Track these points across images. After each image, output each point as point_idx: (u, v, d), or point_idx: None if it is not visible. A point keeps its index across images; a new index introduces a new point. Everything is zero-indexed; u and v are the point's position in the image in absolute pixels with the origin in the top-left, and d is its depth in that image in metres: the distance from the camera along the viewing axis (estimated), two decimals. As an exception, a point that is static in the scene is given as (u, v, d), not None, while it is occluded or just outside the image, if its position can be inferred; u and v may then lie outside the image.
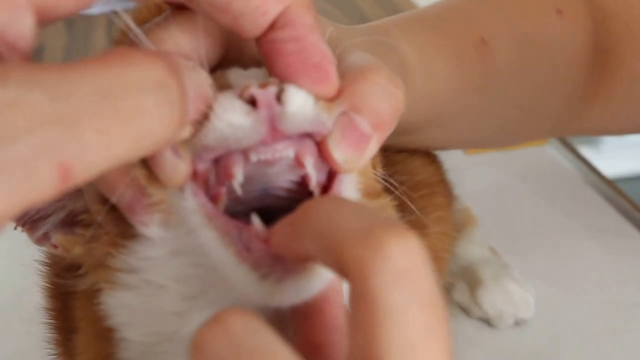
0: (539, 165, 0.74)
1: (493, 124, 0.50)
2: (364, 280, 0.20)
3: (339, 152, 0.27)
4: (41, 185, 0.19)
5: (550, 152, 0.76)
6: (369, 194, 0.30)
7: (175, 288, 0.28)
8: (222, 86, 0.27)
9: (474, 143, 0.56)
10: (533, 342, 0.53)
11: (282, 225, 0.24)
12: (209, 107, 0.25)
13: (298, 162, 0.26)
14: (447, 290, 0.55)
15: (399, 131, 0.42)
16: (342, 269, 0.21)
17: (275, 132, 0.25)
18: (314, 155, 0.26)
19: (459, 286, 0.55)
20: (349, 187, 0.28)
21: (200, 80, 0.25)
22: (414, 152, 0.47)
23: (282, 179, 0.27)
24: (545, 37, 0.49)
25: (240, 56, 0.30)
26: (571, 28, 0.49)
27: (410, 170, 0.46)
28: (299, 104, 0.25)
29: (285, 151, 0.26)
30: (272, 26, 0.27)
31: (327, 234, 0.21)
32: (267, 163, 0.26)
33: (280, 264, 0.25)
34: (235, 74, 0.28)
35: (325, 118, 0.26)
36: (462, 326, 0.54)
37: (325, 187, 0.27)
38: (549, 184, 0.71)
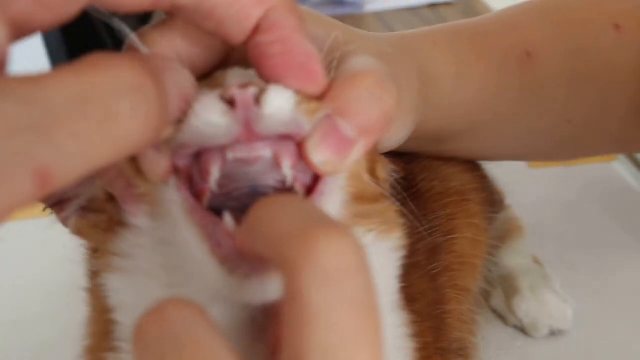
0: (603, 180, 0.73)
1: (539, 138, 0.50)
2: (293, 279, 0.20)
3: (317, 155, 0.27)
4: (19, 191, 0.19)
5: (617, 168, 0.74)
6: (362, 198, 0.31)
7: (162, 276, 0.29)
8: (218, 85, 0.27)
9: (519, 155, 0.56)
10: (568, 353, 0.53)
11: (243, 225, 0.24)
12: (190, 106, 0.25)
13: (276, 163, 0.26)
14: (482, 296, 0.56)
15: (432, 139, 0.44)
16: (280, 269, 0.21)
17: (251, 132, 0.26)
18: (293, 156, 0.27)
19: (496, 293, 0.56)
20: (334, 190, 0.28)
21: (183, 80, 0.25)
22: (449, 160, 0.49)
23: (269, 178, 0.27)
24: (601, 52, 0.48)
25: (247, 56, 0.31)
26: (630, 44, 0.48)
27: (442, 176, 0.47)
28: (276, 106, 0.26)
29: (263, 151, 0.26)
30: (257, 30, 0.27)
31: (269, 234, 0.22)
32: (245, 162, 0.26)
33: (248, 262, 0.25)
34: (233, 74, 0.29)
35: (303, 121, 0.26)
36: (497, 333, 0.55)
37: (310, 189, 0.28)
38: (611, 200, 0.70)
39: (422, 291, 0.41)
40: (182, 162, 0.27)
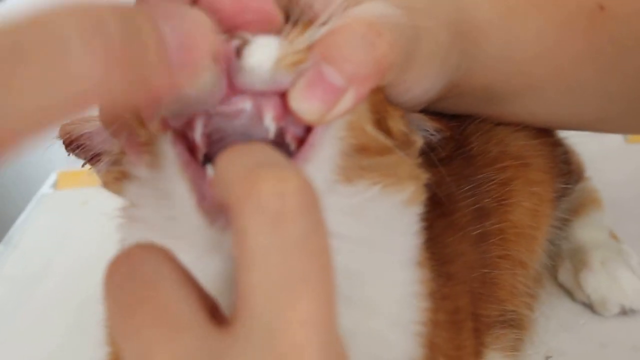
0: None
1: (614, 103, 0.45)
2: (237, 220, 0.20)
3: (299, 103, 0.26)
4: None
5: None
6: (367, 149, 0.30)
7: (163, 226, 0.29)
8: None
9: (587, 122, 0.49)
10: (636, 335, 0.50)
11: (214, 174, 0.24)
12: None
13: (258, 115, 0.26)
14: (548, 270, 0.54)
15: (484, 98, 0.42)
16: (230, 211, 0.20)
17: (232, 85, 0.25)
18: (277, 108, 0.26)
19: (565, 266, 0.54)
20: (327, 141, 0.28)
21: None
22: (512, 125, 0.47)
23: (258, 131, 0.27)
24: None
25: None
26: None
27: (498, 139, 0.45)
28: (256, 59, 0.25)
29: (243, 104, 0.26)
30: None
31: (224, 179, 0.21)
32: (228, 116, 0.26)
33: (226, 213, 0.24)
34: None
35: (282, 75, 0.26)
36: (561, 309, 0.52)
37: (303, 141, 0.27)
38: None
39: (459, 253, 0.39)
40: (175, 123, 0.27)
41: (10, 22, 0.18)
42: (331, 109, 0.26)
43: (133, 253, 0.22)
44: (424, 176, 0.34)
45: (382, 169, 0.31)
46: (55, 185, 0.80)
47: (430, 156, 0.40)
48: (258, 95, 0.26)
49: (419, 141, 0.35)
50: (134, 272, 0.21)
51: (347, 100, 0.27)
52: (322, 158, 0.28)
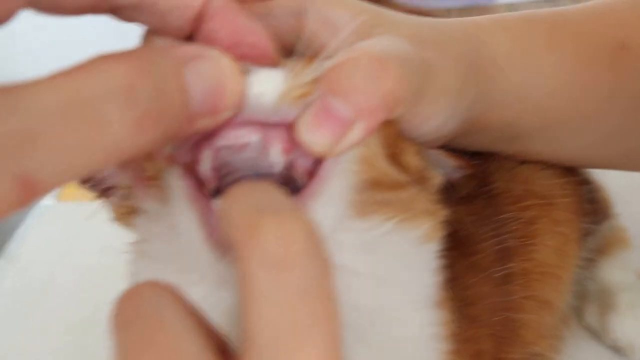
0: None
1: (633, 141, 0.45)
2: (240, 263, 0.20)
3: (306, 134, 0.26)
4: (3, 200, 0.18)
5: None
6: (380, 184, 0.30)
7: (174, 261, 0.29)
8: None
9: (619, 161, 0.49)
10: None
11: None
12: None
13: (265, 148, 0.26)
14: (574, 311, 0.52)
15: (505, 136, 0.42)
16: (234, 253, 0.20)
17: (239, 119, 0.25)
18: (284, 141, 0.26)
19: (591, 308, 0.52)
20: (338, 174, 0.28)
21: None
22: (536, 163, 0.46)
23: (267, 165, 0.27)
24: None
25: None
26: None
27: (522, 178, 0.44)
28: (263, 89, 0.25)
29: (249, 137, 0.26)
30: (201, 19, 0.27)
31: (228, 219, 0.21)
32: (234, 149, 0.26)
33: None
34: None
35: (288, 108, 0.26)
36: (588, 352, 0.51)
37: (313, 174, 0.27)
38: None
39: (482, 295, 0.39)
40: (181, 155, 0.27)
41: (53, 81, 0.20)
42: (339, 141, 0.26)
43: (139, 291, 0.22)
44: (442, 213, 0.33)
45: (396, 204, 0.30)
46: (57, 197, 0.78)
47: (451, 194, 0.39)
48: (264, 127, 0.26)
49: (436, 177, 0.35)
50: (140, 312, 0.21)
51: (356, 132, 0.27)
52: (333, 192, 0.28)
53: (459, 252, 0.39)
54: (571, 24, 0.42)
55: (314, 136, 0.26)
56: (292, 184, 0.27)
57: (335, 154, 0.27)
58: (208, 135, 0.26)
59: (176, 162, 0.27)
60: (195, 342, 0.21)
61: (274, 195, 0.22)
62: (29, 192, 0.19)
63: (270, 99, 0.26)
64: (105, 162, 0.20)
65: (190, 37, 0.28)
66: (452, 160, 0.36)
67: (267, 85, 0.26)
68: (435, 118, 0.33)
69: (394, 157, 0.30)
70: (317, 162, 0.27)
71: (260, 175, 0.28)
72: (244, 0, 0.29)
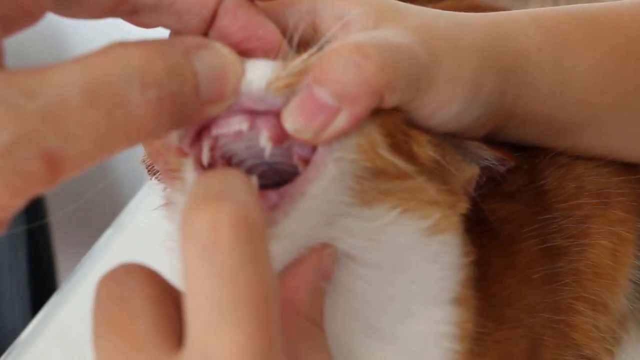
0: None
1: None
2: (180, 248, 0.21)
3: (290, 121, 0.27)
4: (32, 178, 0.20)
5: None
6: (385, 173, 0.29)
7: None
8: None
9: None
10: None
11: None
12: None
13: (255, 135, 0.27)
14: (627, 314, 0.50)
15: (550, 130, 0.41)
16: None
17: (230, 107, 0.26)
18: (273, 128, 0.27)
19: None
20: (333, 162, 0.28)
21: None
22: (592, 159, 0.45)
23: (268, 153, 0.28)
24: None
25: None
26: None
27: (575, 175, 0.43)
28: (249, 78, 0.27)
29: (240, 124, 0.27)
30: (215, 17, 0.28)
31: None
32: (230, 137, 0.27)
33: None
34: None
35: (275, 97, 0.27)
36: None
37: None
38: None
39: (520, 295, 0.38)
40: (185, 146, 0.28)
41: (77, 63, 0.21)
42: (325, 128, 0.27)
43: (115, 273, 0.24)
44: (462, 205, 0.33)
45: (402, 193, 0.30)
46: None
47: (497, 189, 0.39)
48: (254, 115, 0.27)
49: (468, 170, 0.34)
50: (111, 293, 0.23)
51: (342, 120, 0.27)
52: (328, 178, 0.28)
53: (498, 251, 0.38)
54: (611, 17, 0.40)
55: (298, 122, 0.27)
56: (292, 172, 0.28)
57: (322, 141, 0.27)
58: (207, 126, 0.27)
59: (186, 154, 0.28)
60: (150, 324, 0.22)
61: (232, 181, 0.23)
62: (57, 170, 0.20)
63: (258, 87, 0.27)
64: (128, 142, 0.22)
65: (205, 35, 0.29)
66: (491, 152, 0.36)
67: (257, 74, 0.27)
68: (448, 107, 0.33)
69: (399, 147, 0.30)
70: (313, 150, 0.28)
71: (263, 162, 0.29)
72: None
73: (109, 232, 0.70)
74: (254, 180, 0.27)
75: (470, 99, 0.33)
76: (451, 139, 0.35)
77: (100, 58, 0.22)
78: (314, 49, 0.28)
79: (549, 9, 0.41)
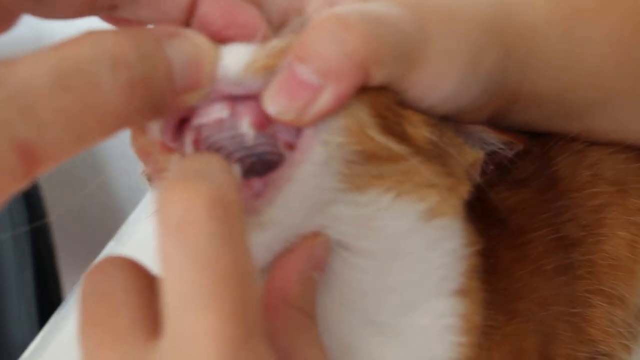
0: None
1: None
2: (155, 232, 0.20)
3: (271, 104, 0.25)
4: (7, 171, 0.19)
5: None
6: (377, 157, 0.28)
7: None
8: None
9: None
10: None
11: None
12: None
13: (236, 122, 0.26)
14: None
15: (562, 113, 0.38)
16: None
17: (208, 95, 0.26)
18: (254, 114, 0.26)
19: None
20: (320, 145, 0.27)
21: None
22: (608, 145, 0.42)
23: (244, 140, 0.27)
24: None
25: None
26: None
27: (590, 162, 0.41)
28: (225, 62, 0.26)
29: (220, 112, 0.26)
30: (195, 5, 0.27)
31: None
32: (212, 127, 0.26)
33: None
34: None
35: (254, 79, 0.26)
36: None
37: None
38: None
39: (532, 288, 0.36)
40: (167, 140, 0.27)
41: (46, 52, 0.20)
42: (308, 108, 0.26)
43: (100, 267, 0.23)
44: (464, 188, 0.31)
45: (395, 175, 0.29)
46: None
47: (506, 175, 0.37)
48: (234, 101, 0.26)
49: (471, 153, 0.33)
50: (94, 286, 0.23)
51: (326, 98, 0.26)
52: (314, 162, 0.27)
53: (507, 242, 0.36)
54: None
55: (279, 103, 0.25)
56: (278, 158, 0.27)
57: (306, 122, 0.26)
58: (189, 118, 0.26)
59: (172, 150, 0.27)
60: (132, 316, 0.22)
61: (207, 164, 0.22)
62: (33, 162, 0.19)
63: (234, 71, 0.26)
64: (103, 130, 0.21)
65: (188, 26, 0.28)
66: (497, 135, 0.34)
67: (233, 58, 0.26)
68: (443, 85, 0.31)
69: (390, 128, 0.28)
70: (299, 134, 0.27)
71: (252, 154, 0.28)
72: None
73: (111, 245, 0.70)
74: (236, 168, 0.26)
75: (468, 76, 0.31)
76: (452, 123, 0.33)
77: (70, 44, 0.21)
78: (294, 28, 0.27)
79: None
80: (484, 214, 0.36)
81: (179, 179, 0.21)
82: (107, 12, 0.28)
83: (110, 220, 0.81)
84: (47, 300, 0.85)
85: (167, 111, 0.24)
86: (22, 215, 0.84)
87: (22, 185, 0.20)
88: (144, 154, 0.31)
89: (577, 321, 0.39)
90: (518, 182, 0.39)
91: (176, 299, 0.20)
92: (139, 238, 0.72)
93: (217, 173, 0.22)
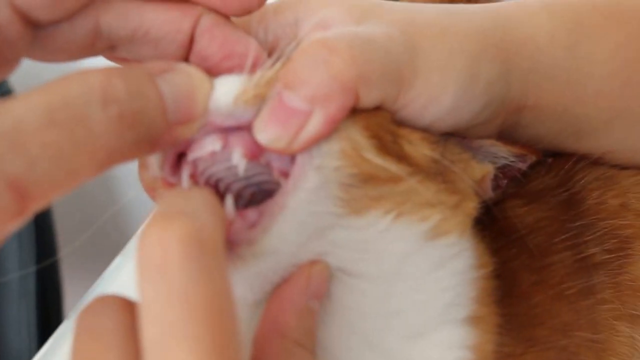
0: None
1: None
2: (134, 270, 0.20)
3: (261, 133, 0.25)
4: (1, 208, 0.19)
5: None
6: (375, 178, 0.27)
7: None
8: None
9: None
10: None
11: None
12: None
13: (227, 153, 0.26)
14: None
15: (570, 130, 0.37)
16: None
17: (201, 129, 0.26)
18: (246, 144, 0.26)
19: None
20: (314, 171, 0.26)
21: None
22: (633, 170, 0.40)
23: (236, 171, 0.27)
24: None
25: None
26: None
27: (613, 190, 0.38)
28: (215, 95, 0.25)
29: (212, 145, 0.26)
30: (194, 41, 0.28)
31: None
32: (206, 160, 0.26)
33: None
34: None
35: (244, 110, 0.26)
36: None
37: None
38: None
39: (552, 313, 0.34)
40: (167, 176, 0.27)
41: (36, 90, 0.21)
42: (298, 134, 0.26)
43: (92, 306, 0.23)
44: (470, 205, 0.30)
45: (395, 196, 0.27)
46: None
47: (520, 191, 0.35)
48: (226, 133, 0.26)
49: (479, 168, 0.32)
50: (86, 326, 0.22)
51: (315, 123, 0.26)
52: (309, 189, 0.26)
53: (527, 264, 0.34)
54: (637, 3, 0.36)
55: (269, 132, 0.25)
56: (274, 187, 0.27)
57: (298, 149, 0.26)
58: (185, 153, 0.27)
59: (172, 185, 0.27)
60: (120, 356, 0.21)
61: (190, 200, 0.22)
62: (26, 199, 0.19)
63: (225, 102, 0.26)
64: (95, 165, 0.21)
65: (186, 61, 0.29)
66: (507, 148, 0.33)
67: (224, 89, 0.26)
68: (439, 100, 0.30)
69: (387, 148, 0.28)
70: (293, 162, 0.26)
71: (251, 184, 0.28)
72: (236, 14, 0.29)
73: (117, 260, 0.69)
74: (229, 200, 0.25)
75: (465, 90, 0.30)
76: (459, 139, 0.32)
77: (60, 82, 0.21)
78: (283, 55, 0.27)
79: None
80: (500, 233, 0.34)
81: (159, 217, 0.20)
82: (107, 52, 0.29)
83: (117, 234, 0.80)
84: (49, 313, 0.85)
85: (163, 145, 0.24)
86: (29, 229, 0.83)
87: (17, 223, 0.20)
88: (150, 189, 0.31)
89: (601, 348, 0.37)
90: (535, 194, 0.37)
91: (154, 340, 0.20)
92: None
93: (198, 209, 0.21)
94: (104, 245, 0.78)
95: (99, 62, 0.27)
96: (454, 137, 0.32)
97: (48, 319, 0.84)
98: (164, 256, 0.19)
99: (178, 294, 0.19)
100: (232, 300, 0.20)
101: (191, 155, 0.26)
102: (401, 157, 0.28)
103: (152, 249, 0.20)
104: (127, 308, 0.22)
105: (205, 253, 0.20)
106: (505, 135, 0.34)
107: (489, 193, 0.34)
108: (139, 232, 0.71)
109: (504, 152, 0.33)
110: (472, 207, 0.30)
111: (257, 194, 0.29)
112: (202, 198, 0.22)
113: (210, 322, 0.19)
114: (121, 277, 0.68)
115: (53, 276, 0.89)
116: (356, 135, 0.27)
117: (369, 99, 0.27)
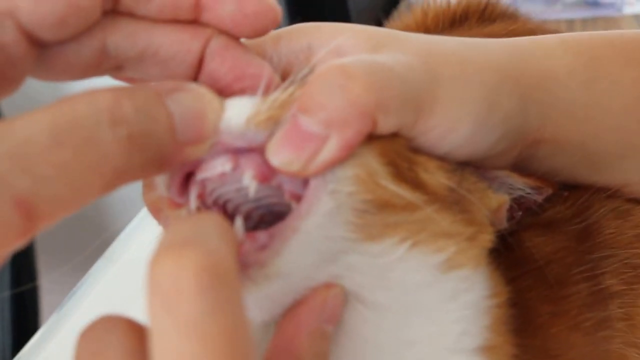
0: None
1: None
2: (145, 301, 0.20)
3: (274, 156, 0.25)
4: (7, 227, 0.19)
5: None
6: (390, 205, 0.27)
7: None
8: None
9: None
10: None
11: None
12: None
13: (238, 175, 0.26)
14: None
15: (586, 163, 0.37)
16: None
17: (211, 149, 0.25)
18: (257, 166, 0.26)
19: None
20: (328, 195, 0.26)
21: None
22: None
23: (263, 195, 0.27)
24: None
25: None
26: None
27: (632, 223, 0.38)
28: (227, 115, 0.25)
29: (222, 166, 0.26)
30: (203, 61, 0.28)
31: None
32: (214, 180, 0.26)
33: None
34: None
35: (256, 132, 0.26)
36: None
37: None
38: None
39: (569, 345, 0.34)
40: (174, 196, 0.27)
41: (45, 109, 0.21)
42: (313, 158, 0.26)
43: (94, 327, 0.22)
44: (486, 237, 0.30)
45: (411, 225, 0.27)
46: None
47: (536, 221, 0.35)
48: (237, 154, 0.26)
49: (495, 198, 0.32)
50: (89, 349, 0.22)
51: (331, 147, 0.26)
52: (322, 213, 0.26)
53: (544, 294, 0.34)
54: None
55: (283, 155, 0.25)
56: (286, 210, 0.27)
57: (312, 173, 0.26)
58: (193, 173, 0.26)
59: (179, 206, 0.27)
60: None
61: (201, 227, 0.21)
62: (32, 217, 0.19)
63: (237, 123, 0.25)
64: (104, 185, 0.21)
65: (196, 81, 0.28)
66: (522, 180, 0.33)
67: (236, 110, 0.26)
68: (457, 130, 0.30)
69: (403, 175, 0.27)
70: (305, 185, 0.26)
71: (260, 206, 0.28)
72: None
73: (99, 263, 0.68)
74: (239, 222, 0.25)
75: (484, 121, 0.30)
76: (475, 169, 0.32)
77: (67, 102, 0.21)
78: (297, 80, 0.27)
79: (582, 33, 0.38)
80: (515, 262, 0.34)
81: (169, 245, 0.20)
82: (114, 72, 0.28)
83: (98, 237, 0.78)
84: (25, 318, 0.83)
85: (172, 165, 0.24)
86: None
87: (23, 241, 0.20)
88: (154, 209, 0.30)
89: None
90: (551, 224, 0.37)
91: None
92: (130, 257, 0.70)
93: (210, 237, 0.21)
94: (84, 249, 0.77)
95: (105, 82, 0.27)
96: (470, 166, 0.32)
97: (25, 325, 0.83)
98: (178, 288, 0.19)
99: (193, 327, 0.19)
100: (248, 329, 0.20)
101: (200, 175, 0.26)
102: (417, 184, 0.28)
103: (165, 279, 0.19)
104: (134, 332, 0.22)
105: (219, 283, 0.20)
106: (521, 167, 0.34)
107: (504, 223, 0.34)
108: (122, 235, 0.70)
109: (520, 184, 0.33)
110: (488, 239, 0.30)
111: (266, 216, 0.28)
112: (214, 224, 0.22)
113: (226, 354, 0.19)
114: (103, 282, 0.66)
115: (30, 279, 0.88)
116: (372, 161, 0.27)
117: (386, 125, 0.27)
